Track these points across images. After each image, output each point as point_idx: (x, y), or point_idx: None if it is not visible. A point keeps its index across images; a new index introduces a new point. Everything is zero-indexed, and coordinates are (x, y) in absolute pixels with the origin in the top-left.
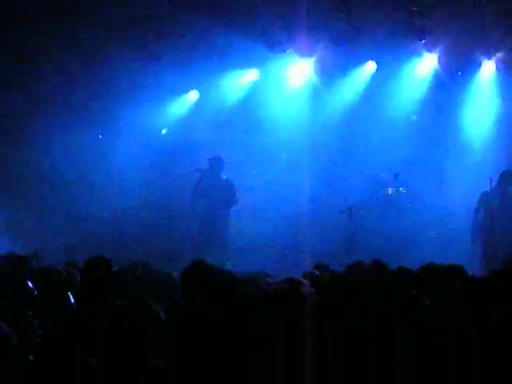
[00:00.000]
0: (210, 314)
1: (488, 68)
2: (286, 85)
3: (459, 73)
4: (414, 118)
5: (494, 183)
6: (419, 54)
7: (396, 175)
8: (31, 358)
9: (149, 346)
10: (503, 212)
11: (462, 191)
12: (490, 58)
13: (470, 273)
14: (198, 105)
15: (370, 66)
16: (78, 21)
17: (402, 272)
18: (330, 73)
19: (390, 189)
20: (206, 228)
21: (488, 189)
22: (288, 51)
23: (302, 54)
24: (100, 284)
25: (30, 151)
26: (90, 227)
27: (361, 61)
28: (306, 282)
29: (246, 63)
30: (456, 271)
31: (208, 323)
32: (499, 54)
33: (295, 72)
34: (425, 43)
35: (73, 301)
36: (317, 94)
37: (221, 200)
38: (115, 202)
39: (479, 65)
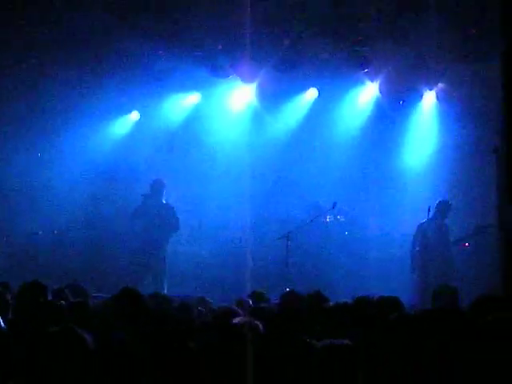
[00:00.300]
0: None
1: (429, 98)
2: (227, 109)
3: (400, 102)
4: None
5: (431, 212)
6: (361, 83)
7: (334, 203)
8: None
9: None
10: (438, 242)
11: (400, 219)
12: (431, 89)
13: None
14: (139, 126)
15: (312, 93)
16: (22, 38)
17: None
18: (272, 98)
19: (328, 216)
20: (143, 250)
21: (425, 218)
22: (230, 76)
23: (245, 80)
24: (35, 311)
25: None
26: (28, 245)
27: (302, 87)
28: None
29: (187, 87)
30: (391, 303)
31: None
32: (440, 85)
33: (237, 97)
34: (367, 72)
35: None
36: (258, 120)
37: (159, 223)
38: (55, 220)
39: (420, 95)
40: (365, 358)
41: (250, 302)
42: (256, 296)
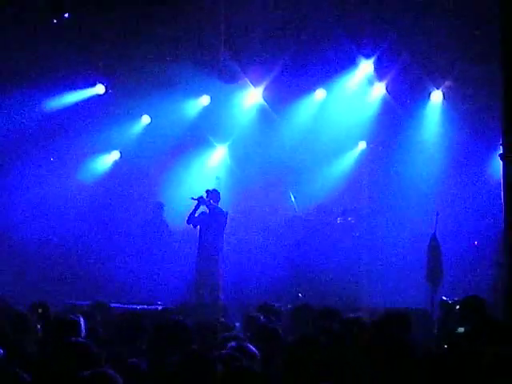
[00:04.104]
0: None
1: (436, 97)
2: (237, 111)
3: (408, 101)
4: (371, 146)
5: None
6: (369, 82)
7: (344, 210)
8: None
9: None
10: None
11: (408, 221)
12: (438, 88)
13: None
14: (149, 129)
15: (320, 93)
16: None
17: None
18: (280, 101)
19: (339, 218)
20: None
21: (434, 222)
22: (239, 81)
23: (253, 83)
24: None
25: None
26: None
27: (311, 88)
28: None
29: (197, 91)
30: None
31: None
32: (447, 83)
33: (246, 99)
34: (374, 71)
35: None
36: (267, 121)
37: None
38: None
39: (428, 93)
40: None
41: (261, 318)
42: (265, 310)
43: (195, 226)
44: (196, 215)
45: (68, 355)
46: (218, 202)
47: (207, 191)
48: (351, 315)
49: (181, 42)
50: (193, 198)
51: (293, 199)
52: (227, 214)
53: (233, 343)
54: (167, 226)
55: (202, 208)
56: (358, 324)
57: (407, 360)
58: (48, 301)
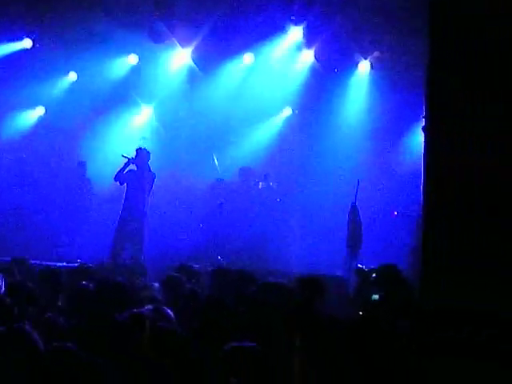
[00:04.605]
0: None
1: (363, 67)
2: (165, 72)
3: (336, 70)
4: (296, 112)
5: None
6: (298, 48)
7: (266, 175)
8: None
9: None
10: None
11: (330, 188)
12: (365, 58)
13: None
14: (76, 86)
15: (248, 57)
16: None
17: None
18: (209, 63)
19: (261, 183)
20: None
21: (355, 190)
22: (167, 41)
23: (182, 44)
24: None
25: None
26: None
27: (239, 51)
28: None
29: (125, 50)
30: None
31: None
32: (375, 54)
33: (175, 60)
34: (303, 38)
35: None
36: (195, 83)
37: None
38: None
39: (355, 63)
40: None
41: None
42: (183, 270)
43: (122, 184)
44: (124, 173)
45: None
46: (147, 162)
47: (137, 150)
48: (269, 279)
49: None
50: (123, 156)
51: (216, 162)
52: (155, 175)
53: (149, 306)
54: (90, 184)
55: (131, 167)
56: (273, 288)
57: (315, 324)
58: None
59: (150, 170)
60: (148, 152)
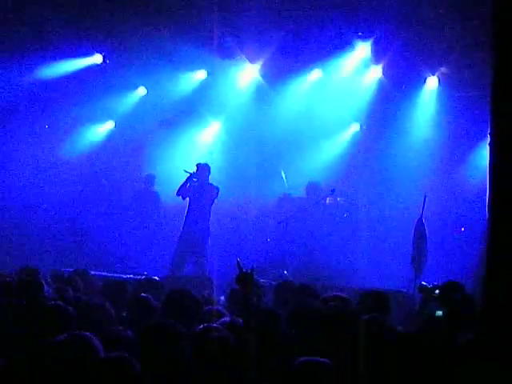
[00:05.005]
0: None
1: (431, 82)
2: (234, 87)
3: (404, 86)
4: (364, 128)
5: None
6: (366, 65)
7: (333, 190)
8: None
9: None
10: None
11: (397, 204)
12: (433, 73)
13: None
14: (145, 101)
15: (316, 74)
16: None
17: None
18: (277, 78)
19: (328, 198)
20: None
21: (421, 205)
22: (237, 57)
23: (251, 59)
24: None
25: None
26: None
27: (307, 66)
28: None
29: (194, 65)
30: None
31: None
32: (443, 70)
33: (243, 75)
34: (372, 54)
35: None
36: (263, 98)
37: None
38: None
39: (423, 79)
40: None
41: None
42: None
43: (184, 198)
44: (186, 187)
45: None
46: (208, 176)
47: (197, 165)
48: (331, 293)
49: (178, 15)
50: (185, 171)
51: (284, 177)
52: (218, 189)
53: (226, 318)
54: (158, 198)
55: (194, 182)
56: (337, 301)
57: (382, 340)
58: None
59: (212, 185)
60: (208, 166)
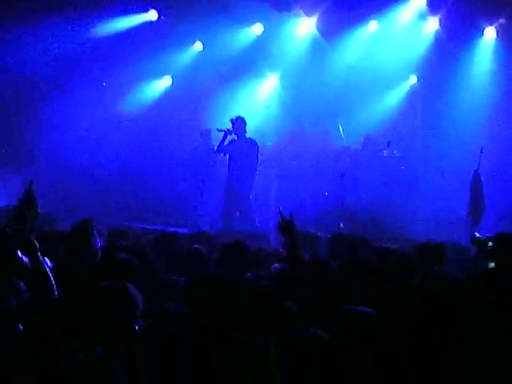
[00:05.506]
0: None
1: (489, 34)
2: (290, 40)
3: (461, 36)
4: (422, 80)
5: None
6: (422, 16)
7: (388, 142)
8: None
9: None
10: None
11: (454, 157)
12: (491, 24)
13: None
14: (202, 56)
15: (372, 26)
16: None
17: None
18: (333, 31)
19: (385, 151)
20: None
21: (478, 158)
22: (293, 10)
23: (307, 13)
24: None
25: None
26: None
27: (363, 19)
28: None
29: (250, 19)
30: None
31: None
32: (501, 21)
33: (300, 29)
34: (427, 5)
35: None
36: (320, 51)
37: (243, 159)
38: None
39: (481, 30)
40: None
41: None
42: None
43: (225, 154)
44: (225, 144)
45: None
46: (245, 128)
47: (232, 120)
48: (384, 245)
49: None
50: (219, 130)
51: (341, 130)
52: (257, 144)
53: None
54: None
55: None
56: (388, 253)
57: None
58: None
59: (250, 139)
60: (243, 119)
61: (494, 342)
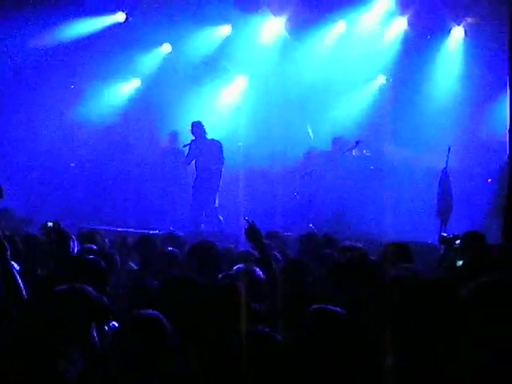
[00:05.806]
0: None
1: (457, 33)
2: (258, 40)
3: (429, 36)
4: (391, 80)
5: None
6: (390, 16)
7: (357, 142)
8: None
9: None
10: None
11: (423, 155)
12: (459, 24)
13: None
14: (170, 58)
15: (341, 26)
16: None
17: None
18: (301, 31)
19: (354, 151)
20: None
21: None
22: (260, 10)
23: (275, 13)
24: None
25: None
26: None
27: (332, 19)
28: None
29: (218, 20)
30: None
31: None
32: (468, 20)
33: (267, 29)
34: (396, 5)
35: None
36: (288, 51)
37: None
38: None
39: (448, 30)
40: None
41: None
42: (271, 236)
43: (190, 163)
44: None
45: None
46: (203, 131)
47: (191, 124)
48: (347, 243)
49: None
50: (184, 146)
51: (310, 131)
52: (220, 143)
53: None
54: (182, 155)
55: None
56: (352, 251)
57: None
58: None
59: (211, 139)
60: (200, 122)
61: (470, 334)
